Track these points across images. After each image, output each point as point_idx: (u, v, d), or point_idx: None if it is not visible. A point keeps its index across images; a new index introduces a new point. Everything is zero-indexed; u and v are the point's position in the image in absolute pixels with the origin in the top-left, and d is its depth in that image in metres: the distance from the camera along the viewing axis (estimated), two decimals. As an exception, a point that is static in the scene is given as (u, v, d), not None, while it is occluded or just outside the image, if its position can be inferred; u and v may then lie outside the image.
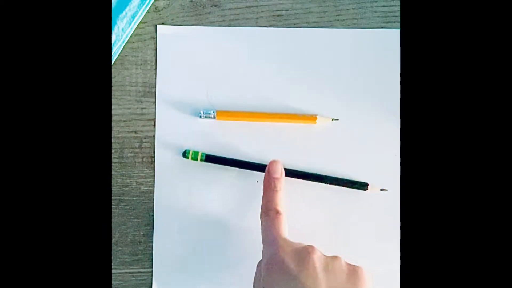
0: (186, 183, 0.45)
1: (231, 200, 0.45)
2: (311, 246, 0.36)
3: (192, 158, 0.44)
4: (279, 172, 0.41)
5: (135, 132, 0.45)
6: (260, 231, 0.40)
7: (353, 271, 0.35)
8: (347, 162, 0.45)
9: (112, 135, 0.44)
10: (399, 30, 0.45)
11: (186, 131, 0.45)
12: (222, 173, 0.45)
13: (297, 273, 0.34)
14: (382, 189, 0.43)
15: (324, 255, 0.36)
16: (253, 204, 0.45)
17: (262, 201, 0.41)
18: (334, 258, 0.36)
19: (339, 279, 0.34)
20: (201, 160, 0.44)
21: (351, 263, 0.36)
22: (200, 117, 0.44)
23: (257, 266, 0.39)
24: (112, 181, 0.44)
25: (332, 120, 0.44)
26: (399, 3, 0.45)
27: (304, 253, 0.35)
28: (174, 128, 0.45)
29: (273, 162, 0.41)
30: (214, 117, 0.44)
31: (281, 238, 0.38)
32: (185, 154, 0.44)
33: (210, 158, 0.44)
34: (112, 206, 0.44)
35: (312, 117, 0.44)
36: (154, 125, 0.45)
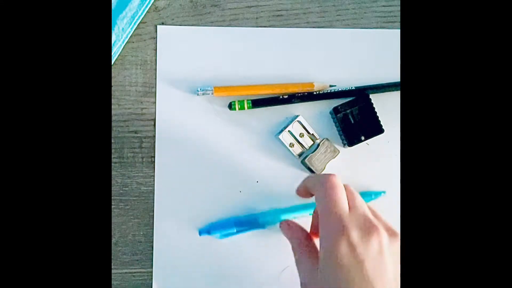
0: (186, 183, 0.45)
1: (231, 200, 0.45)
2: (375, 225, 0.34)
3: (240, 108, 0.44)
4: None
5: (135, 132, 0.45)
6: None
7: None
8: (351, 167, 0.45)
9: (112, 135, 0.44)
10: (399, 30, 0.45)
11: (186, 131, 0.45)
12: (223, 172, 0.45)
13: (364, 259, 0.32)
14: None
15: (386, 233, 0.34)
16: (253, 203, 0.45)
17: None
18: (395, 238, 0.35)
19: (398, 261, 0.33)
20: (248, 107, 0.44)
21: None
22: (198, 93, 0.44)
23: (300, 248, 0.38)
24: (112, 181, 0.44)
25: (330, 86, 0.45)
26: (399, 3, 0.45)
27: (370, 234, 0.33)
28: (174, 127, 0.45)
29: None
30: (213, 96, 0.44)
31: (346, 213, 0.34)
32: (231, 106, 0.44)
33: (256, 102, 0.44)
34: (112, 206, 0.44)
35: (309, 84, 0.44)
36: (154, 125, 0.45)
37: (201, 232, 0.44)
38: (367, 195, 0.44)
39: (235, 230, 0.43)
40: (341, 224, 0.33)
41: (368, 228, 0.34)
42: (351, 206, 0.35)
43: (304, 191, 0.39)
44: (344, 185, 0.37)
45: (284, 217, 0.43)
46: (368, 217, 0.35)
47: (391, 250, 0.34)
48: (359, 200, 0.36)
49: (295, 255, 0.38)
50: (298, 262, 0.38)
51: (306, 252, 0.37)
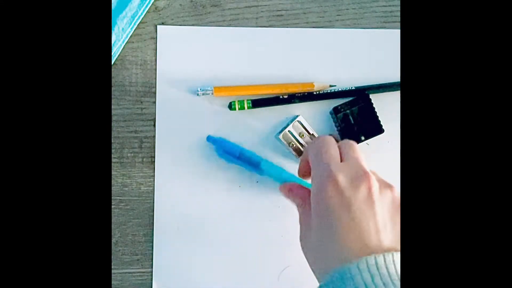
0: (187, 183, 0.45)
1: (231, 199, 0.45)
2: (367, 173, 0.34)
3: (240, 108, 0.44)
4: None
5: (135, 132, 0.45)
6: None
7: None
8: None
9: (112, 135, 0.44)
10: (399, 30, 0.45)
11: (186, 131, 0.45)
12: (223, 173, 0.45)
13: (352, 202, 0.32)
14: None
15: (378, 183, 0.34)
16: (253, 203, 0.45)
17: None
18: (388, 188, 0.34)
19: (388, 211, 0.33)
20: (248, 107, 0.44)
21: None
22: (198, 94, 0.44)
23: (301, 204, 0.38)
24: (112, 181, 0.44)
25: (330, 86, 0.45)
26: (399, 3, 0.45)
27: (359, 180, 0.33)
28: (174, 127, 0.45)
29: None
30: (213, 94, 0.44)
31: (334, 162, 0.35)
32: (231, 106, 0.44)
33: (256, 103, 0.44)
34: (112, 206, 0.44)
35: (309, 84, 0.44)
36: (154, 125, 0.45)
37: (208, 139, 0.44)
38: None
39: (237, 157, 0.43)
40: (329, 170, 0.34)
41: (358, 175, 0.34)
42: (346, 157, 0.36)
43: (304, 167, 0.40)
44: (346, 140, 0.37)
45: (285, 178, 0.43)
46: (361, 167, 0.35)
47: (382, 198, 0.34)
48: (356, 152, 0.36)
49: (298, 212, 0.38)
50: (300, 218, 0.38)
51: (308, 208, 0.37)
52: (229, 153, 0.44)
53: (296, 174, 0.44)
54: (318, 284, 0.35)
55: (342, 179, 0.33)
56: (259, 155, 0.44)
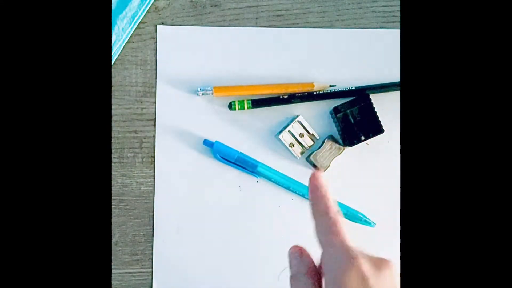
0: (186, 183, 0.45)
1: (231, 199, 0.45)
2: (387, 261, 0.29)
3: (240, 108, 0.44)
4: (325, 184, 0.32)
5: (135, 132, 0.45)
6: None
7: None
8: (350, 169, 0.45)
9: (112, 135, 0.44)
10: (399, 30, 0.45)
11: (186, 131, 0.45)
12: (223, 173, 0.45)
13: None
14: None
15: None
16: (253, 203, 0.45)
17: (312, 207, 0.32)
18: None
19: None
20: (248, 107, 0.44)
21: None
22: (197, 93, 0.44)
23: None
24: (112, 181, 0.44)
25: (330, 86, 0.45)
26: (399, 3, 0.45)
27: (382, 266, 0.28)
28: (174, 127, 0.45)
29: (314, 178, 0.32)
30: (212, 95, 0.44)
31: (349, 244, 0.30)
32: (231, 106, 0.44)
33: (256, 103, 0.44)
34: (112, 206, 0.44)
35: (309, 84, 0.44)
36: (154, 125, 0.45)
37: (205, 142, 0.44)
38: (357, 218, 0.44)
39: (234, 161, 0.44)
40: (350, 254, 0.29)
41: (378, 259, 0.29)
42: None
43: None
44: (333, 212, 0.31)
45: (281, 183, 0.44)
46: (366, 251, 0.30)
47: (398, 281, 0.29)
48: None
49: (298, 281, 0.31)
50: None
51: (314, 282, 0.31)
52: (225, 157, 0.44)
53: (294, 175, 0.44)
54: None
55: (365, 265, 0.28)
56: (256, 159, 0.44)
